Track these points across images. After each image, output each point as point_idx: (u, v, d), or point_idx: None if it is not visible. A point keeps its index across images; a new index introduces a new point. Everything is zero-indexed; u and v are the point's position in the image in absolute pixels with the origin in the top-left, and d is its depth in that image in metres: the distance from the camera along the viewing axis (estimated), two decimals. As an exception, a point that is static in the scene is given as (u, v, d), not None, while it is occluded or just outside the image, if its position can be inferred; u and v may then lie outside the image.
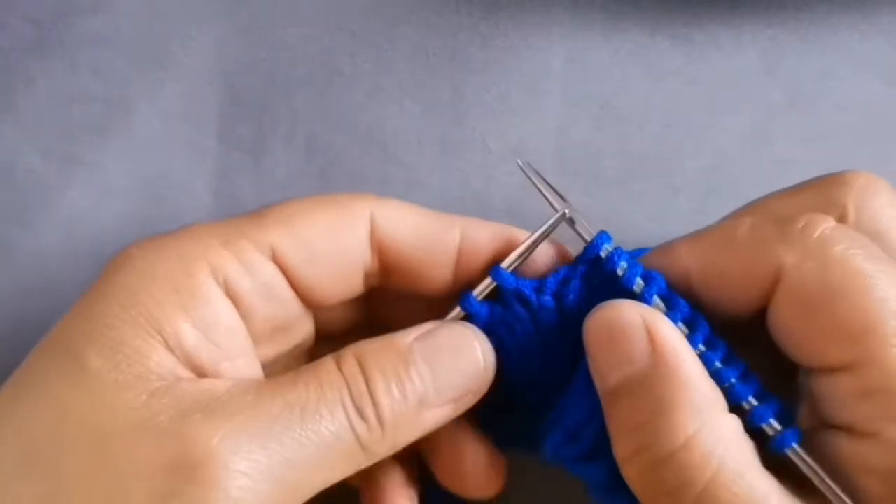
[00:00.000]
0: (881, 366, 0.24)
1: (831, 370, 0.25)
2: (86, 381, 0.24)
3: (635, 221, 0.37)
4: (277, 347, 0.29)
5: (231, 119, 0.38)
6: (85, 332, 0.25)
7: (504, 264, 0.29)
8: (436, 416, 0.27)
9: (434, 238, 0.29)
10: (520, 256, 0.29)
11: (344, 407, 0.25)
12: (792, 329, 0.26)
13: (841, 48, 0.37)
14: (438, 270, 0.29)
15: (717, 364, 0.26)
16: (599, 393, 0.27)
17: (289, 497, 0.24)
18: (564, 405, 0.29)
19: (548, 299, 0.29)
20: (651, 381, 0.25)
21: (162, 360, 0.24)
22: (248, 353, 0.27)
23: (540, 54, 0.38)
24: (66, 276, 0.37)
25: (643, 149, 0.37)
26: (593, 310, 0.27)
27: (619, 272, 0.28)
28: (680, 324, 0.27)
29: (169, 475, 0.23)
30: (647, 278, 0.28)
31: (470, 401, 0.28)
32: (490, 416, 0.33)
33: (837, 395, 0.25)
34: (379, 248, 0.29)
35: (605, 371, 0.26)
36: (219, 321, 0.26)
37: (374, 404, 0.25)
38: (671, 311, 0.27)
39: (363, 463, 0.26)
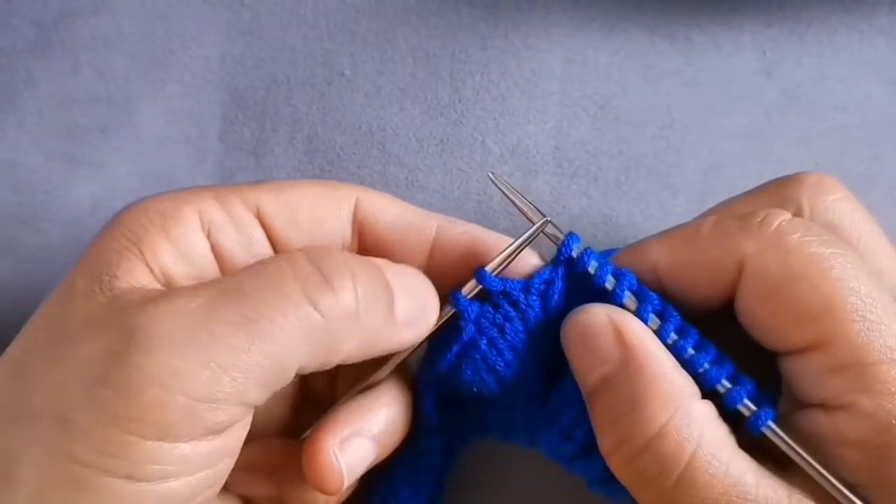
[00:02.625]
0: (845, 341, 0.25)
1: (800, 351, 0.26)
2: (70, 299, 0.25)
3: (635, 222, 0.38)
4: None
5: (232, 119, 0.38)
6: (79, 262, 0.26)
7: (489, 268, 0.29)
8: (401, 335, 0.28)
9: (411, 227, 0.30)
10: (503, 262, 0.30)
11: (296, 279, 0.25)
12: (758, 315, 0.27)
13: (840, 49, 0.37)
14: (412, 258, 0.30)
15: (690, 351, 0.28)
16: (582, 393, 0.28)
17: (231, 384, 0.24)
18: (556, 405, 0.30)
19: (535, 299, 0.30)
20: (624, 377, 0.27)
21: (132, 269, 0.25)
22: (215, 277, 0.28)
23: (539, 55, 0.38)
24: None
25: (642, 149, 0.38)
26: (568, 315, 0.29)
27: (591, 270, 0.29)
28: (652, 315, 0.28)
29: (102, 361, 0.23)
30: (618, 275, 0.29)
31: (421, 334, 0.29)
32: (489, 412, 0.33)
33: (808, 374, 0.26)
34: (360, 230, 0.30)
35: (584, 372, 0.28)
36: (195, 249, 0.27)
37: (333, 291, 0.26)
38: (642, 304, 0.28)
39: (322, 340, 0.26)
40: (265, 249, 0.28)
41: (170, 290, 0.26)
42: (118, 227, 0.26)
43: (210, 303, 0.24)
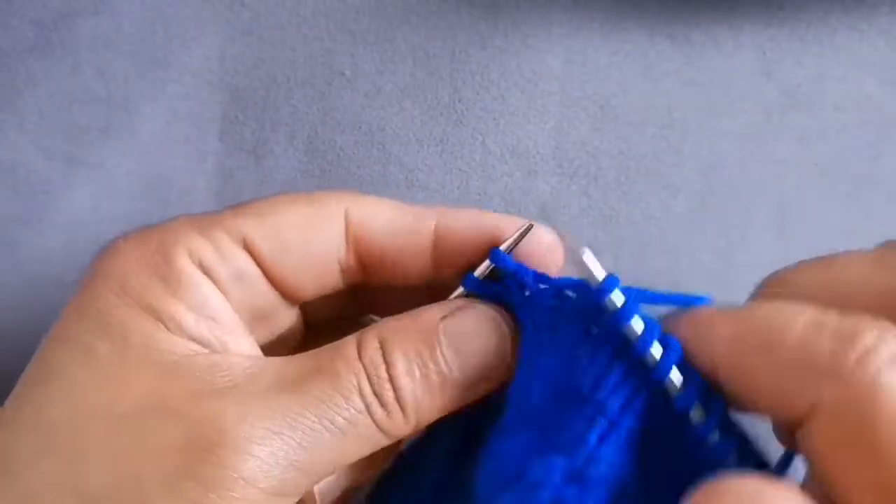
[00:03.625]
0: None
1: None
2: (97, 367, 0.24)
3: (635, 222, 0.38)
4: (259, 336, 0.29)
5: (232, 119, 0.38)
6: (87, 323, 0.25)
7: (503, 247, 0.27)
8: (458, 398, 0.26)
9: (407, 228, 0.28)
10: (516, 242, 0.28)
11: (362, 394, 0.25)
12: (820, 460, 0.21)
13: (840, 48, 0.37)
14: (414, 260, 0.28)
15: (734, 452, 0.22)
16: None
17: (303, 478, 0.24)
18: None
19: (547, 292, 0.26)
20: None
21: (167, 339, 0.25)
22: (242, 329, 0.27)
23: (539, 55, 0.38)
24: (68, 276, 0.37)
25: (642, 149, 0.38)
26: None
27: (633, 331, 0.23)
28: (697, 402, 0.23)
29: (182, 456, 0.23)
30: (666, 345, 0.23)
31: (491, 385, 0.27)
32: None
33: None
34: (354, 243, 0.28)
35: None
36: (207, 300, 0.26)
37: (395, 388, 0.25)
38: (686, 387, 0.23)
39: (383, 443, 0.26)
40: (259, 281, 0.28)
41: (233, 374, 0.24)
42: (122, 289, 0.25)
43: (287, 407, 0.24)
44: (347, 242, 0.28)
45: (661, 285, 0.38)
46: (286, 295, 0.29)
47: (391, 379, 0.25)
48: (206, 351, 0.25)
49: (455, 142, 0.38)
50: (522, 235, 0.28)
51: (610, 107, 0.38)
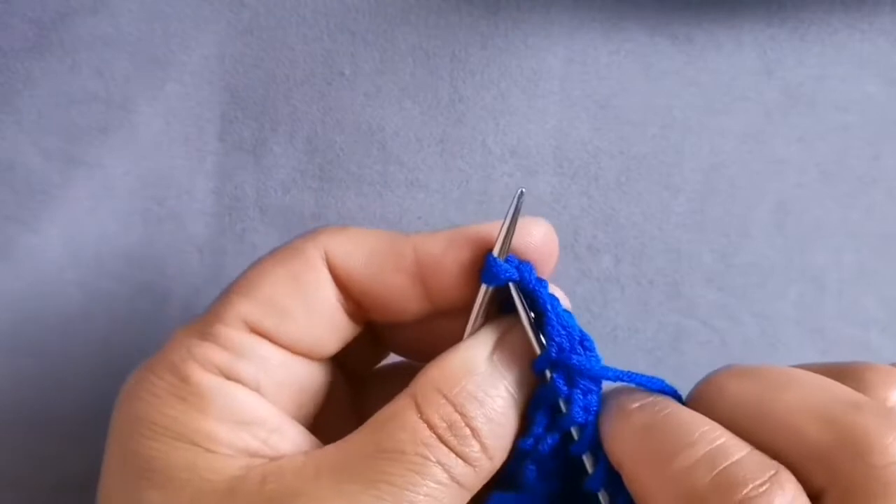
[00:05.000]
0: None
1: None
2: None
3: (635, 221, 0.38)
4: (308, 409, 0.28)
5: (231, 119, 0.38)
6: (130, 477, 0.24)
7: (495, 250, 0.26)
8: (520, 414, 0.26)
9: (387, 265, 0.27)
10: (506, 241, 0.26)
11: (439, 462, 0.23)
12: None
13: (841, 48, 0.37)
14: (403, 294, 0.27)
15: None
16: None
17: None
18: None
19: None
20: None
21: (212, 465, 0.23)
22: (284, 419, 0.26)
23: (539, 54, 0.38)
24: (66, 276, 0.37)
25: (643, 149, 0.37)
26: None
27: (562, 404, 0.25)
28: (602, 488, 0.25)
29: None
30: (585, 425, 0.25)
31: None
32: None
33: None
34: (341, 286, 0.27)
35: None
36: (237, 404, 0.24)
37: (477, 437, 0.24)
38: (596, 470, 0.25)
39: (467, 497, 0.24)
40: (279, 358, 0.26)
41: (292, 481, 0.23)
42: (151, 430, 0.24)
43: (337, 492, 0.23)
44: (338, 285, 0.27)
45: (662, 285, 0.38)
46: (311, 356, 0.27)
47: (473, 431, 0.24)
48: (255, 461, 0.24)
49: (455, 142, 0.38)
50: (510, 231, 0.27)
51: (610, 106, 0.38)
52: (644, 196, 0.37)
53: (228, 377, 0.25)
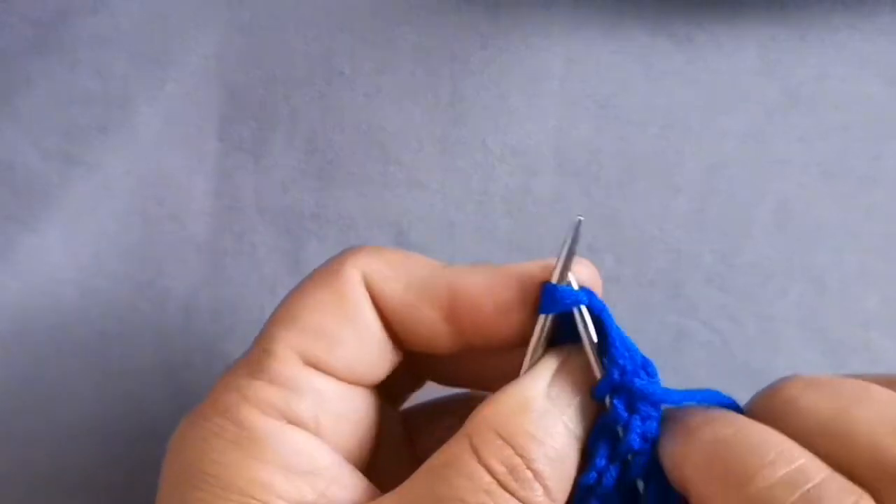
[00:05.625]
0: None
1: None
2: None
3: (635, 221, 0.37)
4: (363, 444, 0.26)
5: (231, 119, 0.38)
6: None
7: (554, 278, 0.25)
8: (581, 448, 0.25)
9: (422, 288, 0.25)
10: (563, 269, 0.25)
11: None
12: None
13: (841, 48, 0.37)
14: (432, 324, 0.26)
15: None
16: None
17: None
18: None
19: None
20: None
21: None
22: (343, 467, 0.24)
23: (540, 54, 0.38)
24: (66, 276, 0.37)
25: (643, 149, 0.37)
26: None
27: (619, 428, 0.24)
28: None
29: None
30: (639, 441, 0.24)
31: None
32: None
33: None
34: (378, 309, 0.26)
35: None
36: (296, 451, 0.23)
37: (541, 480, 0.22)
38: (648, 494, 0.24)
39: None
40: (332, 390, 0.25)
41: None
42: (206, 483, 0.22)
43: None
44: (378, 318, 0.26)
45: (662, 285, 0.38)
46: (363, 384, 0.26)
47: (535, 473, 0.22)
48: None
49: (455, 142, 0.38)
50: (569, 259, 0.25)
51: (611, 106, 0.38)
52: (644, 196, 0.37)
53: (286, 418, 0.23)
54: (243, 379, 0.24)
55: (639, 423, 0.24)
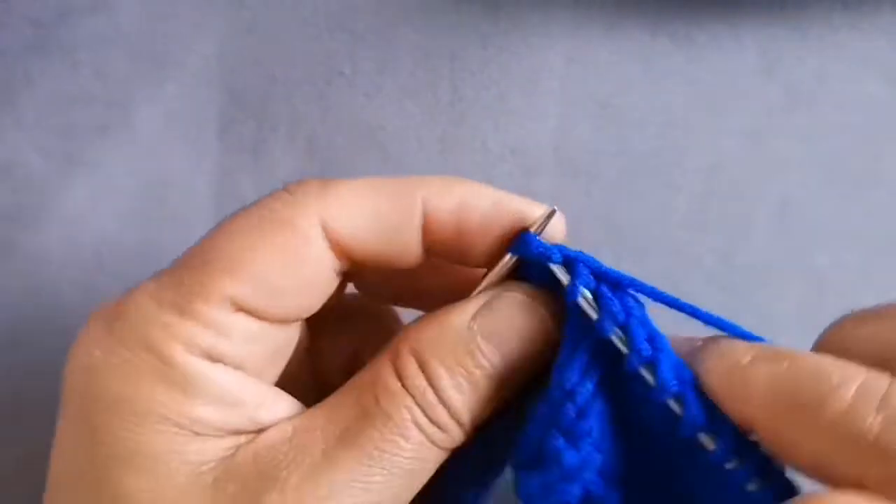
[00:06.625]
0: None
1: None
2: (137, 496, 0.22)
3: (635, 221, 0.37)
4: (276, 372, 0.27)
5: (231, 119, 0.38)
6: (103, 458, 0.23)
7: (533, 229, 0.26)
8: (505, 386, 0.25)
9: (390, 217, 0.25)
10: (542, 227, 0.26)
11: (419, 427, 0.24)
12: None
13: (841, 47, 0.37)
14: (404, 247, 0.26)
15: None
16: None
17: None
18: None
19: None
20: None
21: (201, 448, 0.23)
22: (267, 392, 0.25)
23: (540, 54, 0.38)
24: (66, 276, 0.37)
25: (643, 149, 0.37)
26: None
27: (619, 343, 0.24)
28: (702, 431, 0.23)
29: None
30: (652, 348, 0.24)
31: (535, 365, 0.26)
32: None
33: None
34: (341, 254, 0.26)
35: None
36: (225, 388, 0.24)
37: (448, 407, 0.24)
38: (690, 413, 0.23)
39: (444, 457, 0.25)
40: (264, 334, 0.25)
41: (282, 455, 0.23)
42: (129, 410, 0.23)
43: (354, 470, 0.23)
44: (335, 252, 0.26)
45: (662, 285, 0.38)
46: (294, 321, 0.27)
47: (442, 401, 0.24)
48: (242, 439, 0.24)
49: (455, 142, 0.38)
50: (546, 221, 0.26)
51: (611, 106, 0.38)
52: (644, 196, 0.37)
53: (212, 359, 0.24)
54: (170, 314, 0.23)
55: (618, 304, 0.25)
